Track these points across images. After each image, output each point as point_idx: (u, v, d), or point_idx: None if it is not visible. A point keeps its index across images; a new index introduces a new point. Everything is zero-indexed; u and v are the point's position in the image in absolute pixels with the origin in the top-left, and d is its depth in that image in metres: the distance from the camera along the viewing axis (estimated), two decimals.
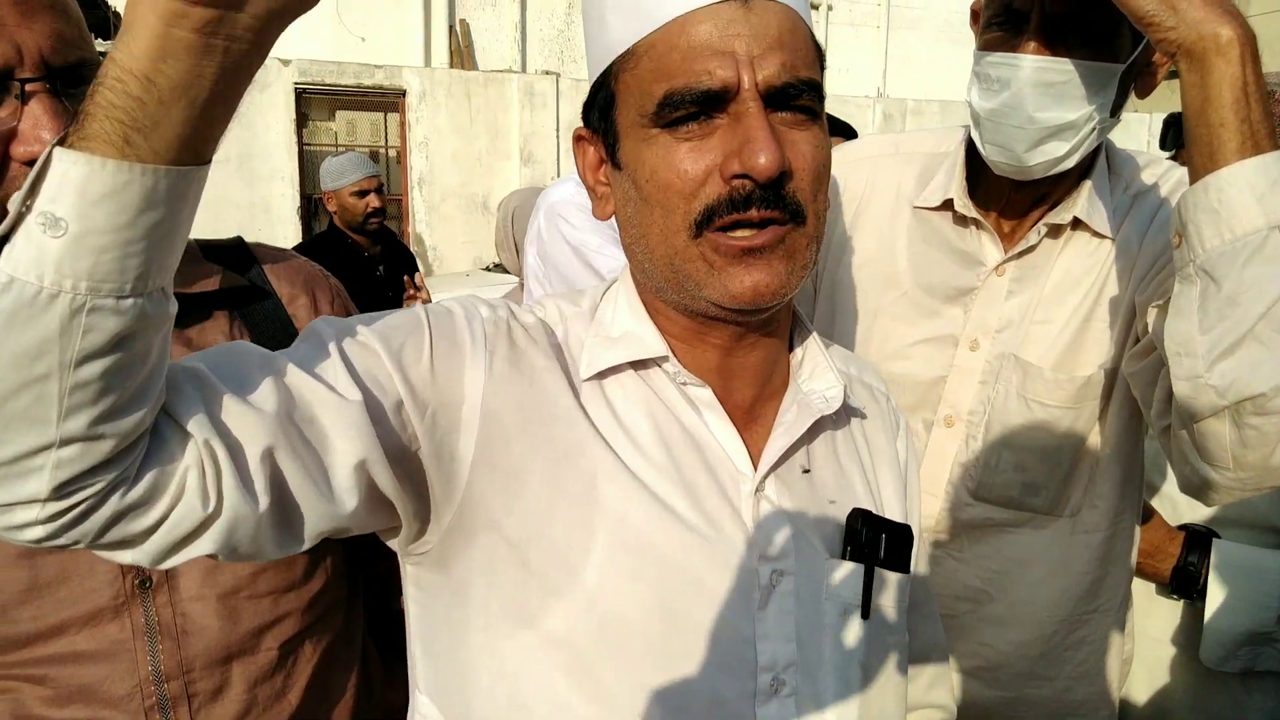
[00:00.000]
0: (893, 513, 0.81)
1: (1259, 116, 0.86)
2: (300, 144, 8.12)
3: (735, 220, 0.66)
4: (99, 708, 0.83)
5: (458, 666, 0.72)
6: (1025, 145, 1.07)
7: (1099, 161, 1.17)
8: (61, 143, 0.48)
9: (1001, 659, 1.26)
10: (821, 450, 0.79)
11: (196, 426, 0.56)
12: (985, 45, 1.10)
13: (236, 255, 1.01)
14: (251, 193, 7.91)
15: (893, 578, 0.79)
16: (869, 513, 0.76)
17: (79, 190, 0.47)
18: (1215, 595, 1.36)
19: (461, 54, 8.83)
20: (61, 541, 0.53)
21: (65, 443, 0.50)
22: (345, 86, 8.20)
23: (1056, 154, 1.06)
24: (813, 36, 0.70)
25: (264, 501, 0.58)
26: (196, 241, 1.00)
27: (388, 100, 8.43)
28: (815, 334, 0.82)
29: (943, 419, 1.24)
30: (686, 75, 0.65)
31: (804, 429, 0.75)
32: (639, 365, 0.75)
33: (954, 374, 1.22)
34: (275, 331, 0.97)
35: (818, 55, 0.70)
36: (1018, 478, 1.21)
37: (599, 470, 0.69)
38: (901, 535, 0.78)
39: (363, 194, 3.70)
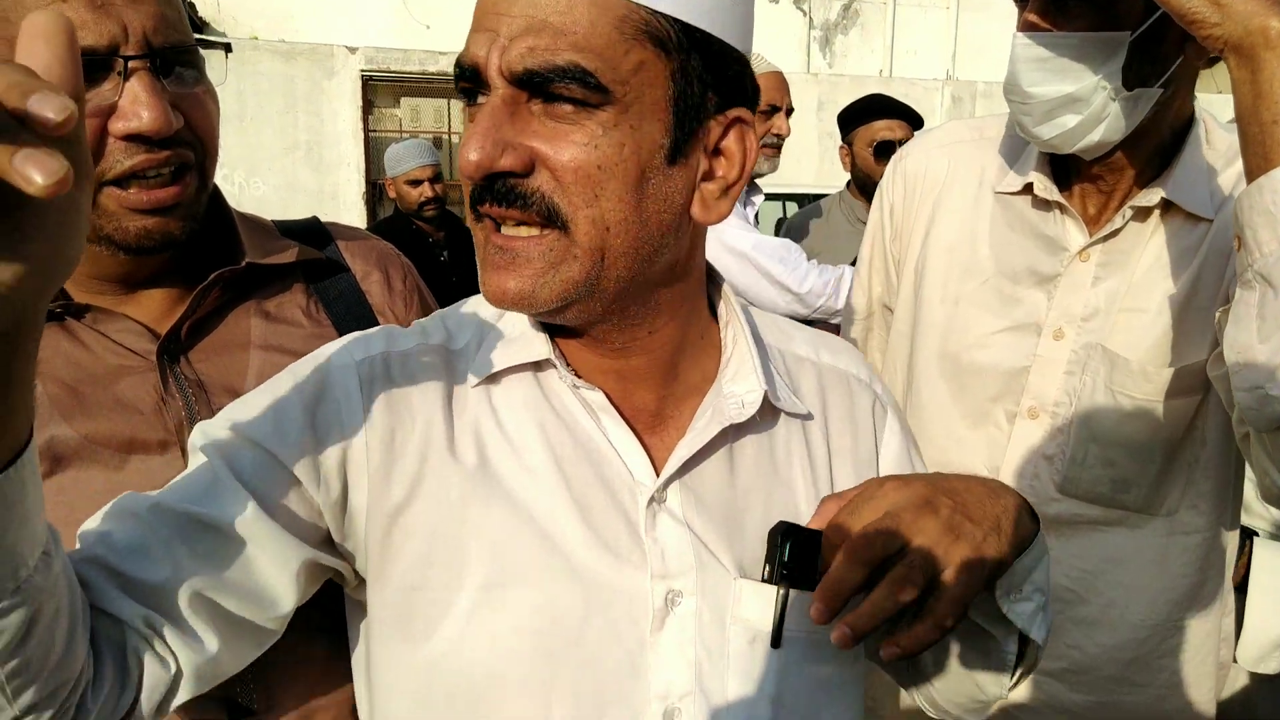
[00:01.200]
0: None
1: None
2: (366, 131, 8.25)
3: (488, 211, 0.63)
4: None
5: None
6: (1034, 120, 1.07)
7: (1193, 136, 1.11)
8: None
9: (1090, 662, 1.21)
10: (750, 455, 0.72)
11: (124, 611, 0.62)
12: (1017, 27, 1.10)
13: (313, 233, 1.02)
14: (320, 180, 8.06)
15: None
16: (796, 527, 0.67)
17: None
18: (1255, 594, 1.32)
19: None
20: None
21: (27, 713, 0.54)
22: (410, 73, 8.29)
23: (1069, 125, 1.04)
24: (636, 17, 0.59)
25: (213, 640, 0.65)
26: (274, 222, 1.01)
27: (451, 86, 8.51)
28: (753, 325, 0.76)
29: (1026, 410, 1.19)
30: (464, 47, 0.63)
31: (710, 436, 0.70)
32: (537, 369, 0.72)
33: (1037, 364, 1.18)
34: (349, 304, 0.97)
35: (641, 36, 0.60)
36: (1106, 473, 1.16)
37: (478, 498, 0.68)
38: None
39: (416, 183, 3.72)
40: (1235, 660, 1.32)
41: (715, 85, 0.64)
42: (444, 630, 0.66)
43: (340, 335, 0.95)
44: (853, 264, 2.75)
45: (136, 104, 0.76)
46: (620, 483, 0.69)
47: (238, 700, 0.86)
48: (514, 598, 0.66)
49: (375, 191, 8.29)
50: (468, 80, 0.64)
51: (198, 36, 0.84)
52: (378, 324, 0.98)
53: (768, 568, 0.67)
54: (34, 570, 0.51)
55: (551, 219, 0.61)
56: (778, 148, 2.53)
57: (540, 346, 0.70)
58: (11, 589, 0.49)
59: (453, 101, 8.59)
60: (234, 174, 6.95)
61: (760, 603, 0.68)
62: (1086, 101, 1.02)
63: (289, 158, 7.88)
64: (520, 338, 0.71)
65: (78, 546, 0.65)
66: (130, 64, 0.77)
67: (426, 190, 3.75)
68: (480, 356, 0.71)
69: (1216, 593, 1.22)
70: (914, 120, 2.95)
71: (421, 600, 0.67)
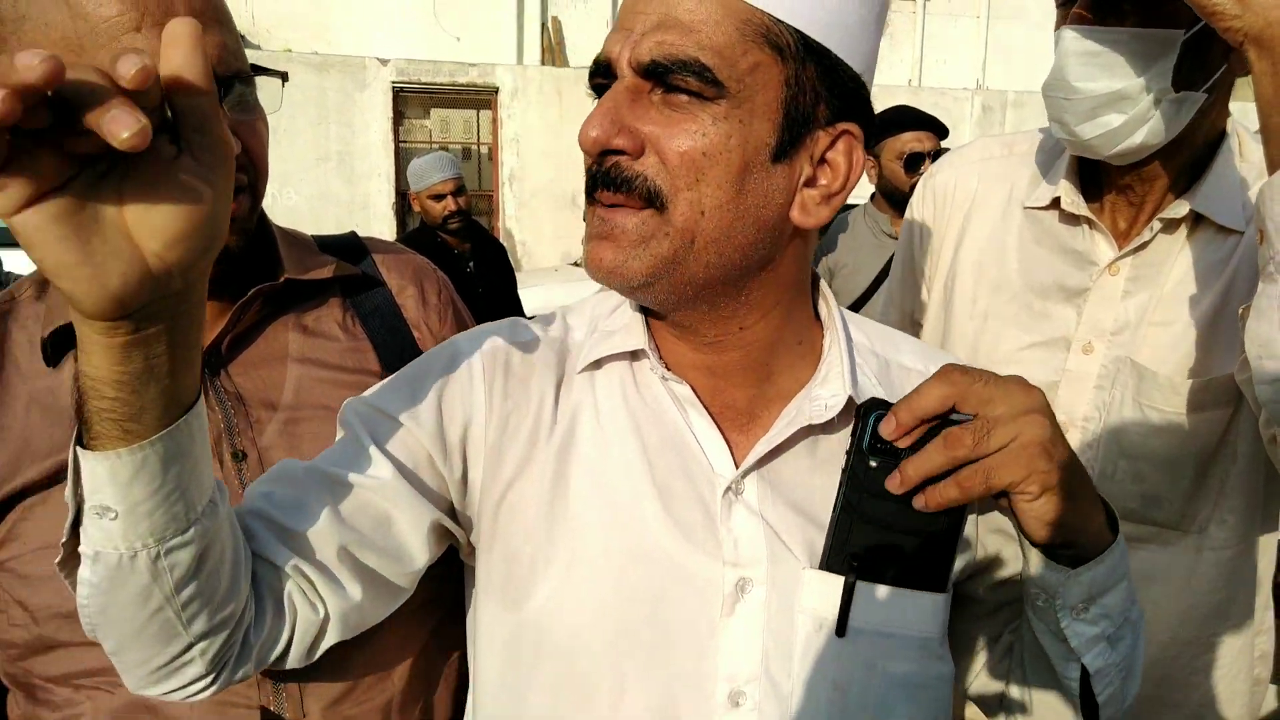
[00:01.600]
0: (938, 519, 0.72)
1: None
2: (396, 142, 8.36)
3: (600, 197, 0.67)
4: None
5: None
6: (1076, 118, 1.04)
7: (1225, 148, 1.10)
8: (80, 443, 0.55)
9: None
10: (831, 455, 0.74)
11: (281, 559, 0.70)
12: (1056, 25, 1.07)
13: (350, 248, 1.05)
14: (351, 190, 8.18)
15: (909, 595, 0.71)
16: (883, 403, 0.68)
17: (110, 481, 0.55)
18: None
19: (553, 51, 8.93)
20: (223, 688, 0.69)
21: (199, 639, 0.64)
22: (440, 85, 8.40)
23: (1113, 125, 1.01)
24: (757, 20, 0.63)
25: (356, 590, 0.73)
26: (314, 237, 1.04)
27: (481, 98, 8.60)
28: (848, 332, 0.78)
29: None
30: (602, 46, 0.68)
31: (788, 434, 0.72)
32: (634, 359, 0.76)
33: (1066, 379, 1.17)
34: (385, 318, 1.00)
35: (760, 39, 0.63)
36: (1136, 489, 1.15)
37: (572, 478, 0.73)
38: (926, 546, 0.67)
39: (439, 198, 3.74)
40: (1275, 680, 1.30)
41: (828, 98, 0.67)
42: (534, 598, 0.72)
43: (375, 349, 0.98)
44: (878, 276, 2.76)
45: None
46: (700, 473, 0.72)
47: (269, 709, 0.88)
48: (596, 573, 0.71)
49: (405, 202, 8.40)
50: (601, 75, 0.68)
51: (253, 63, 0.87)
52: (412, 337, 1.01)
53: (830, 557, 0.66)
54: (201, 514, 0.60)
55: (652, 200, 0.65)
56: None
57: (636, 338, 0.74)
58: (183, 528, 0.58)
59: (482, 113, 8.69)
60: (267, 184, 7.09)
61: (828, 593, 0.69)
62: (1133, 100, 1.00)
63: (321, 168, 8.01)
64: (622, 330, 0.76)
65: (245, 503, 0.73)
66: None
67: (450, 204, 3.77)
68: (588, 348, 0.77)
69: (1248, 609, 1.21)
70: (940, 131, 2.95)
71: (518, 569, 0.73)
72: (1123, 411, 1.14)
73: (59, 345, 0.89)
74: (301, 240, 1.01)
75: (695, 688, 0.70)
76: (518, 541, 0.74)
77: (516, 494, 0.74)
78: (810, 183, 0.68)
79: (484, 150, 8.87)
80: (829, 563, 0.67)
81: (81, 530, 0.58)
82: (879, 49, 0.72)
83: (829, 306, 0.79)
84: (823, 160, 0.68)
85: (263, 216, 0.95)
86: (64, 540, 0.60)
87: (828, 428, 0.74)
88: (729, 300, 0.71)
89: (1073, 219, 1.18)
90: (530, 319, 0.83)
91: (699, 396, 0.74)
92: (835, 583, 0.68)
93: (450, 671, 1.02)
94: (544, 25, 9.01)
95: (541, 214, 8.78)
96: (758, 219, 0.67)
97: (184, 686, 0.67)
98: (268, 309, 0.94)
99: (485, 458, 0.75)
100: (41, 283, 0.94)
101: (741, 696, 0.69)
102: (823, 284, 0.80)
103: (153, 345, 0.53)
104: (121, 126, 0.41)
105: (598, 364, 0.76)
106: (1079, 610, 0.69)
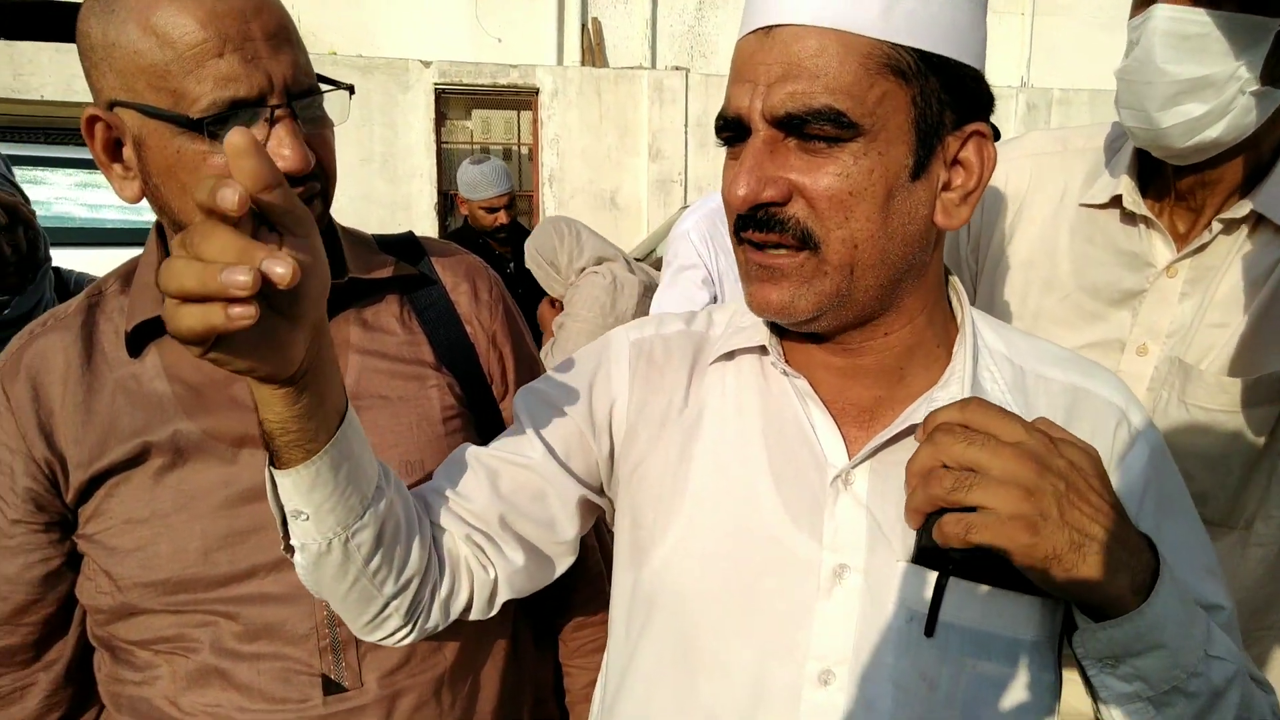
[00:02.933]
0: None
1: None
2: (439, 143, 8.47)
3: (749, 237, 0.71)
4: (282, 644, 0.92)
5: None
6: (1157, 103, 1.00)
7: None
8: (273, 464, 0.68)
9: None
10: None
11: (454, 527, 0.83)
12: (1133, 12, 1.04)
13: (408, 247, 1.10)
14: (394, 190, 8.31)
15: (1003, 596, 0.70)
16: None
17: (296, 491, 0.68)
18: None
19: (593, 52, 8.99)
20: (423, 635, 0.83)
21: (392, 598, 0.78)
22: (482, 86, 8.49)
23: (1194, 114, 0.99)
24: (878, 53, 0.65)
25: (518, 556, 0.85)
26: (374, 236, 1.09)
27: (522, 99, 8.68)
28: (975, 334, 0.79)
29: None
30: (725, 100, 0.71)
31: (896, 431, 0.73)
32: (763, 353, 0.81)
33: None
34: (439, 314, 1.05)
35: (884, 70, 0.65)
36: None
37: (695, 455, 0.79)
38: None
39: (492, 210, 3.79)
40: None
41: (952, 103, 0.69)
42: (651, 560, 0.80)
43: (431, 342, 1.03)
44: None
45: (281, 146, 0.84)
46: (813, 460, 0.75)
47: (330, 677, 0.94)
48: (706, 541, 0.77)
49: (446, 202, 8.51)
50: (730, 129, 0.71)
51: (320, 76, 0.92)
52: (465, 331, 1.06)
53: (922, 550, 0.68)
54: (372, 499, 0.73)
55: (805, 241, 0.69)
56: None
57: (760, 335, 0.80)
58: (360, 514, 0.72)
59: (522, 113, 8.78)
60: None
61: (923, 588, 0.71)
62: (1218, 89, 0.97)
63: (364, 169, 8.15)
64: (751, 327, 0.81)
65: (426, 484, 0.87)
66: (276, 111, 0.85)
67: (502, 217, 3.81)
68: (721, 341, 0.83)
69: None
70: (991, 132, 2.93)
71: (640, 534, 0.81)
72: (1168, 410, 1.14)
73: (140, 337, 0.95)
74: (364, 240, 1.07)
75: (788, 660, 0.73)
76: (643, 509, 0.82)
77: (646, 467, 0.82)
78: (947, 186, 0.71)
79: (524, 151, 8.95)
80: (923, 557, 0.68)
81: (290, 528, 0.72)
82: (985, 29, 0.72)
83: (961, 307, 0.80)
84: (955, 161, 0.70)
85: (329, 218, 1.01)
86: (281, 535, 0.73)
87: None
88: (883, 310, 0.74)
89: (1131, 218, 1.16)
90: (681, 313, 0.91)
91: (822, 393, 0.77)
92: (930, 578, 0.69)
93: (499, 650, 1.07)
94: (584, 26, 9.07)
95: (581, 214, 8.83)
96: (905, 235, 0.70)
97: (389, 635, 0.81)
98: (331, 304, 1.00)
99: (625, 435, 0.84)
100: (125, 277, 1.01)
101: (830, 676, 0.72)
102: (955, 282, 0.81)
103: (312, 381, 0.65)
104: (279, 267, 0.53)
105: (729, 356, 0.82)
106: (1107, 663, 0.68)
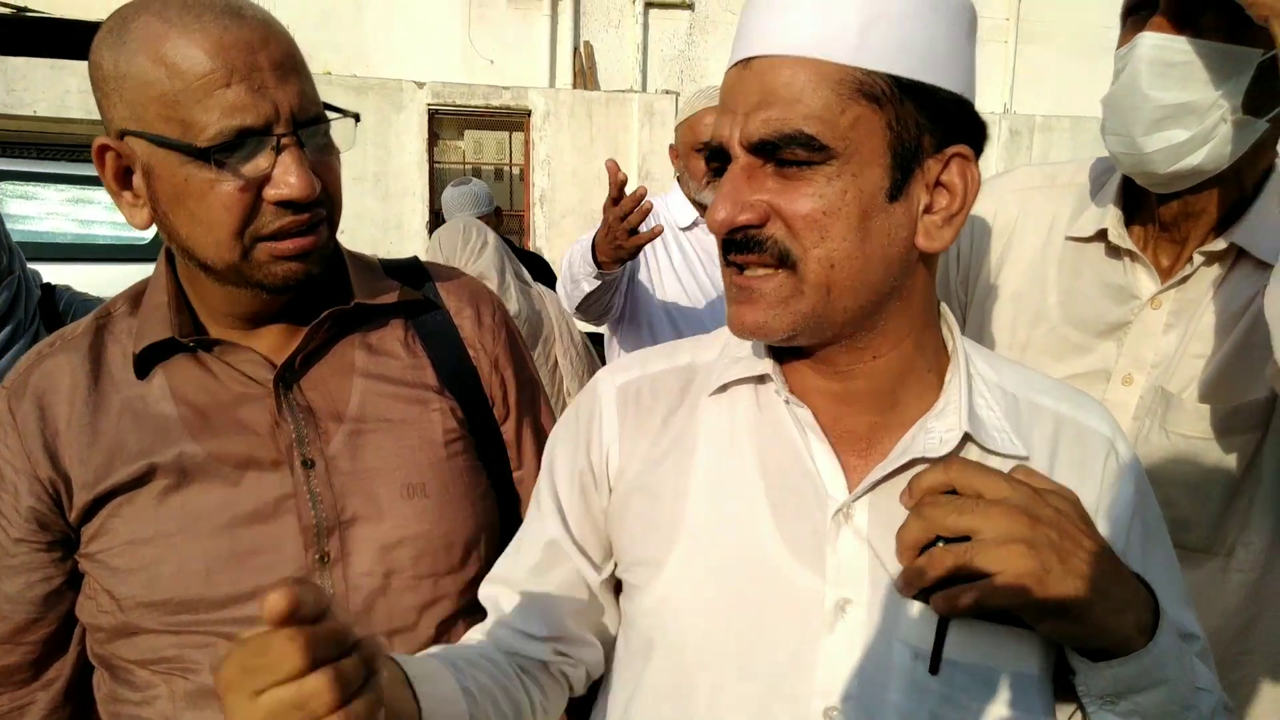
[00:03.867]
0: None
1: None
2: (431, 162, 8.50)
3: (733, 259, 0.73)
4: None
5: None
6: (1141, 128, 1.02)
7: (1270, 184, 1.11)
8: None
9: None
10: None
11: (538, 653, 0.87)
12: (1120, 42, 1.07)
13: (412, 273, 1.12)
14: (385, 210, 8.32)
15: (1006, 630, 0.70)
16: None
17: None
18: None
19: (585, 75, 9.07)
20: None
21: None
22: (474, 107, 8.54)
23: (1177, 140, 1.01)
24: (850, 79, 0.67)
25: (594, 649, 0.89)
26: (380, 261, 1.11)
27: (514, 120, 8.73)
28: (969, 364, 0.79)
29: None
30: (712, 131, 0.74)
31: (898, 464, 0.73)
32: (759, 383, 0.81)
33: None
34: (443, 338, 1.07)
35: (856, 95, 0.67)
36: (1167, 514, 1.15)
37: (690, 489, 0.79)
38: None
39: None
40: None
41: (931, 127, 0.69)
42: (651, 594, 0.79)
43: (434, 366, 1.05)
44: None
45: (287, 173, 0.86)
46: (813, 493, 0.75)
47: None
48: (705, 576, 0.77)
49: (438, 221, 8.53)
50: (716, 158, 0.73)
51: (326, 105, 0.94)
52: (468, 355, 1.08)
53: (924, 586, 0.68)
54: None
55: (784, 260, 0.70)
56: None
57: (762, 363, 0.80)
58: None
59: (514, 134, 8.83)
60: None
61: (928, 625, 0.70)
62: (1200, 116, 0.99)
63: (357, 188, 8.16)
64: (748, 355, 0.81)
65: (491, 637, 0.89)
66: (282, 140, 0.86)
67: None
68: (716, 372, 0.82)
69: (1274, 629, 1.21)
70: None
71: (637, 573, 0.82)
72: (1151, 439, 1.16)
73: (148, 360, 0.97)
74: (369, 264, 1.08)
75: (790, 698, 0.72)
76: (637, 546, 0.82)
77: (640, 505, 0.82)
78: (929, 209, 0.71)
79: (516, 171, 9.00)
80: (925, 592, 0.67)
81: None
82: (975, 60, 0.73)
83: (953, 336, 0.80)
84: (938, 184, 0.71)
85: (336, 243, 1.03)
86: None
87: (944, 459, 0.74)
88: (867, 331, 0.74)
89: (1115, 252, 1.18)
90: (662, 347, 0.91)
91: (820, 420, 0.77)
92: (933, 614, 0.69)
93: None
94: (576, 50, 9.15)
95: (571, 234, 8.87)
96: (885, 256, 0.71)
97: None
98: (336, 328, 1.02)
99: (621, 481, 0.84)
100: (133, 299, 1.02)
101: (834, 712, 0.71)
102: (945, 311, 0.81)
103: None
104: None
105: (724, 388, 0.81)
106: (1108, 700, 0.69)
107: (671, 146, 2.60)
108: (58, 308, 1.77)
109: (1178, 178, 1.06)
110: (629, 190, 1.88)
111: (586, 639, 0.89)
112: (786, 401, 0.77)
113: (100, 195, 5.41)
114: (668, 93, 9.06)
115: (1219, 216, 1.11)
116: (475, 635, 0.90)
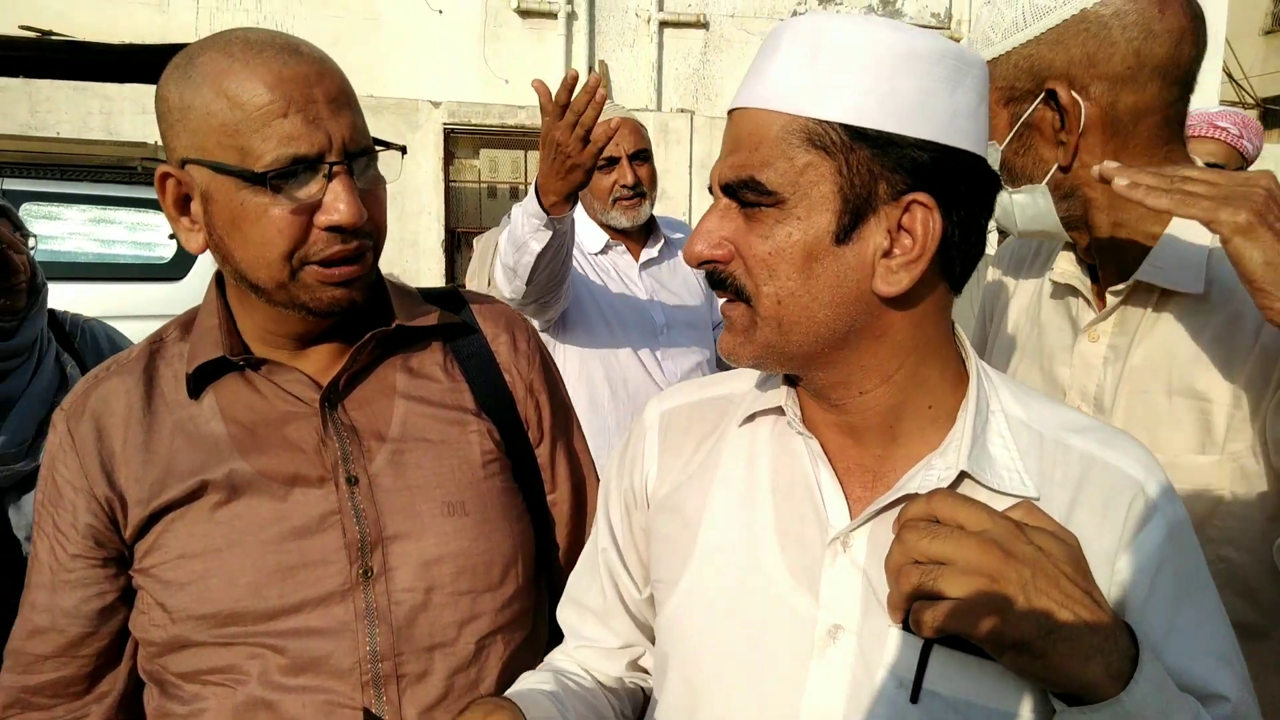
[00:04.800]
0: None
1: None
2: (446, 181, 8.58)
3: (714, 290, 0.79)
4: (326, 678, 0.95)
5: None
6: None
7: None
8: None
9: None
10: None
11: (615, 669, 1.00)
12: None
13: (450, 299, 1.16)
14: (401, 227, 8.39)
15: (989, 666, 0.70)
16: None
17: None
18: None
19: None
20: None
21: None
22: (489, 126, 8.63)
23: (1006, 204, 1.15)
24: (799, 127, 0.70)
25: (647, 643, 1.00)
26: (419, 290, 1.15)
27: (529, 139, 8.81)
28: (982, 401, 0.79)
29: None
30: None
31: (890, 500, 0.75)
32: (780, 413, 0.85)
33: None
34: (480, 362, 1.10)
35: (806, 143, 0.71)
36: None
37: (707, 510, 0.85)
38: None
39: None
40: None
41: (888, 175, 0.71)
42: (667, 610, 0.86)
43: (471, 389, 1.09)
44: None
45: (338, 200, 0.91)
46: (816, 521, 0.79)
47: (371, 711, 0.97)
48: (714, 596, 0.82)
49: (454, 239, 8.61)
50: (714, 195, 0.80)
51: (375, 139, 0.99)
52: (504, 379, 1.11)
53: (910, 615, 0.69)
54: None
55: (740, 294, 0.77)
56: (634, 198, 2.33)
57: (775, 397, 0.85)
58: None
59: (530, 153, 8.91)
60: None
61: (914, 654, 0.71)
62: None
63: None
64: (771, 391, 0.86)
65: (568, 654, 1.01)
66: (334, 168, 0.91)
67: None
68: (744, 404, 0.89)
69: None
70: None
71: (660, 589, 0.88)
72: None
73: (200, 380, 1.01)
74: (408, 291, 1.12)
75: (784, 715, 0.75)
76: (660, 562, 0.88)
77: (665, 524, 0.88)
78: (888, 253, 0.73)
79: (531, 190, 9.08)
80: (909, 623, 0.69)
81: None
82: (969, 105, 0.73)
83: (970, 375, 0.80)
84: (901, 229, 0.72)
85: (377, 270, 1.07)
86: None
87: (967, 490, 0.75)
88: (841, 366, 0.77)
89: (1067, 286, 1.24)
90: (707, 378, 0.98)
91: (828, 451, 0.80)
92: (918, 645, 0.70)
93: None
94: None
95: None
96: (833, 296, 0.73)
97: None
98: (379, 351, 1.05)
99: (653, 498, 0.91)
100: (185, 325, 1.06)
101: None
102: (966, 350, 0.82)
103: None
104: None
105: (751, 418, 0.87)
106: None
107: None
108: (64, 328, 1.82)
109: (1029, 233, 1.17)
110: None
111: (644, 642, 0.98)
112: (799, 433, 0.81)
113: (121, 215, 5.51)
114: (682, 111, 9.13)
115: (1126, 255, 1.12)
116: (559, 656, 1.01)
